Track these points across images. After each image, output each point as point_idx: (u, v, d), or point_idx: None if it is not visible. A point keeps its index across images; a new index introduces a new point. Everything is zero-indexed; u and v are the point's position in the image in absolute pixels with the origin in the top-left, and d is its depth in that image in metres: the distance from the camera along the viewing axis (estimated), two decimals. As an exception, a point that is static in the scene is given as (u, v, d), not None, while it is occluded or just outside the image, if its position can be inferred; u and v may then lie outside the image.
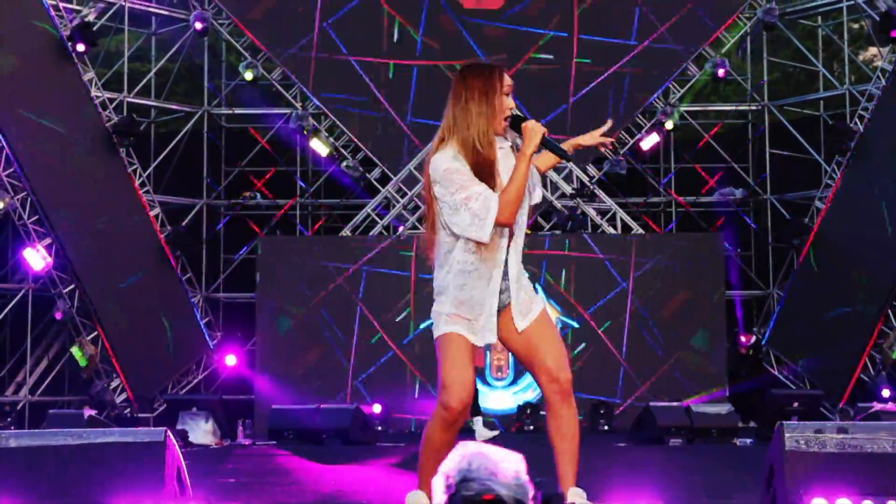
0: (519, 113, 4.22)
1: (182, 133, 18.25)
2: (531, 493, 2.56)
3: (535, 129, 4.12)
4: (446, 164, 4.10)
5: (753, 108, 18.51)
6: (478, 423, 12.55)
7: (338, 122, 17.60)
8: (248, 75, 17.52)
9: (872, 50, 19.46)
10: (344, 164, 17.67)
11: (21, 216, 15.40)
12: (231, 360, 17.37)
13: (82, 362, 15.73)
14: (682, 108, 18.03)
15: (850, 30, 18.51)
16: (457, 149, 4.12)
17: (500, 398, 15.55)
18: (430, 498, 4.21)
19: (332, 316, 16.18)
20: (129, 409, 15.79)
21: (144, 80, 18.09)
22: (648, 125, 17.74)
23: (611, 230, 16.73)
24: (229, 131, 19.03)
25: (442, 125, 4.21)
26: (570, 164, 16.76)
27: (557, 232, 16.95)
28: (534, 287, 4.40)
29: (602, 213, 16.95)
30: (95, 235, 15.97)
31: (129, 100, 17.55)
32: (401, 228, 16.75)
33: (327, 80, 17.42)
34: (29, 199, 15.33)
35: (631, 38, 17.16)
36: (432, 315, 4.20)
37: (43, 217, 15.41)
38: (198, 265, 18.17)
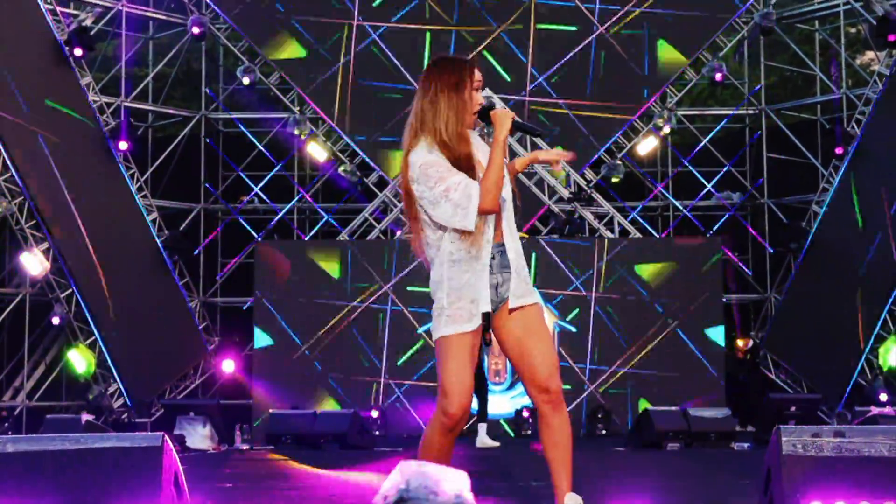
0: (488, 105, 4.23)
1: (179, 137, 18.26)
2: None
3: (504, 114, 4.15)
4: (422, 160, 4.10)
5: (751, 112, 18.53)
6: (482, 429, 12.55)
7: (339, 132, 17.62)
8: (246, 80, 17.52)
9: (869, 54, 19.50)
10: (341, 168, 17.67)
11: (18, 221, 15.40)
12: (228, 364, 17.36)
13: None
14: (679, 112, 18.04)
15: (847, 34, 18.54)
16: (429, 143, 4.12)
17: (498, 402, 15.53)
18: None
19: (331, 319, 16.16)
20: (126, 414, 15.77)
21: (142, 85, 18.10)
22: (645, 129, 17.76)
23: (608, 234, 16.74)
24: (227, 136, 19.03)
25: (410, 121, 4.20)
26: (569, 168, 16.77)
27: (555, 236, 16.94)
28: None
29: (599, 217, 16.95)
30: (93, 240, 15.96)
31: (127, 104, 17.56)
32: (398, 232, 16.75)
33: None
34: (27, 203, 15.33)
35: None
36: (432, 314, 4.19)
37: (40, 222, 15.40)
38: (195, 270, 18.16)
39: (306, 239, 18.22)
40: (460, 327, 4.12)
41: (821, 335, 16.10)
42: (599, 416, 15.38)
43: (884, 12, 15.75)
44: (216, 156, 18.69)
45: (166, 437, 3.80)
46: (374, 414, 15.22)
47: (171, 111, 18.71)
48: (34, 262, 15.40)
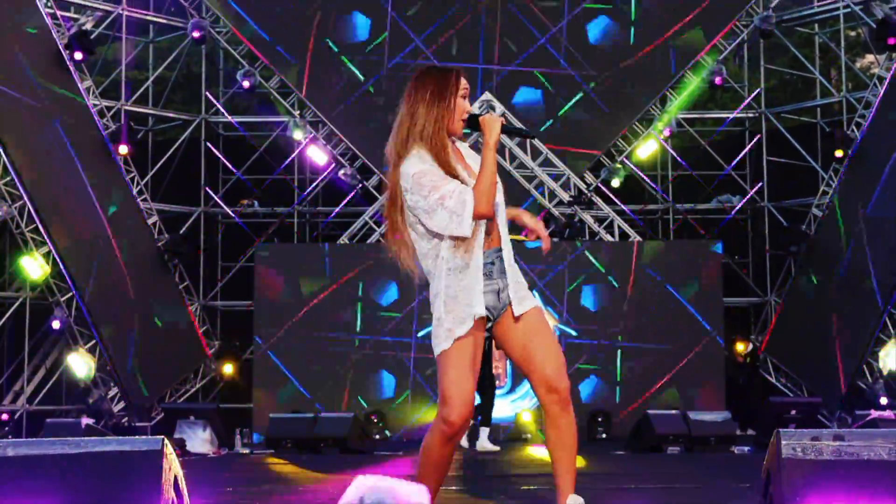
0: (476, 112, 4.24)
1: (179, 141, 18.27)
2: None
3: (492, 120, 4.16)
4: (414, 170, 4.10)
5: (751, 115, 18.53)
6: (484, 433, 12.54)
7: (335, 131, 17.65)
8: (246, 83, 17.53)
9: (869, 57, 19.51)
10: (341, 171, 17.68)
11: (19, 224, 15.39)
12: (229, 368, 17.35)
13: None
14: (679, 116, 18.05)
15: (847, 37, 18.54)
16: (421, 153, 4.13)
17: (498, 406, 15.51)
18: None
19: (331, 323, 16.18)
20: (126, 418, 15.77)
21: (142, 89, 18.12)
22: (645, 132, 17.77)
23: (608, 237, 16.75)
24: (227, 139, 19.04)
25: (394, 131, 4.21)
26: (568, 172, 16.79)
27: (555, 239, 16.96)
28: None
29: (600, 220, 16.96)
30: (93, 244, 15.96)
31: (127, 108, 17.56)
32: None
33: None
34: (27, 207, 15.32)
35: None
36: (433, 325, 4.20)
37: (40, 225, 15.39)
38: (195, 273, 18.16)
39: (306, 243, 18.22)
40: (458, 333, 4.12)
41: (821, 338, 16.09)
42: (599, 419, 15.38)
43: (883, 15, 15.75)
44: (216, 159, 18.69)
45: (166, 441, 3.80)
46: (375, 418, 15.24)
47: (172, 115, 18.72)
48: (34, 266, 15.39)
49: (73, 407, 16.56)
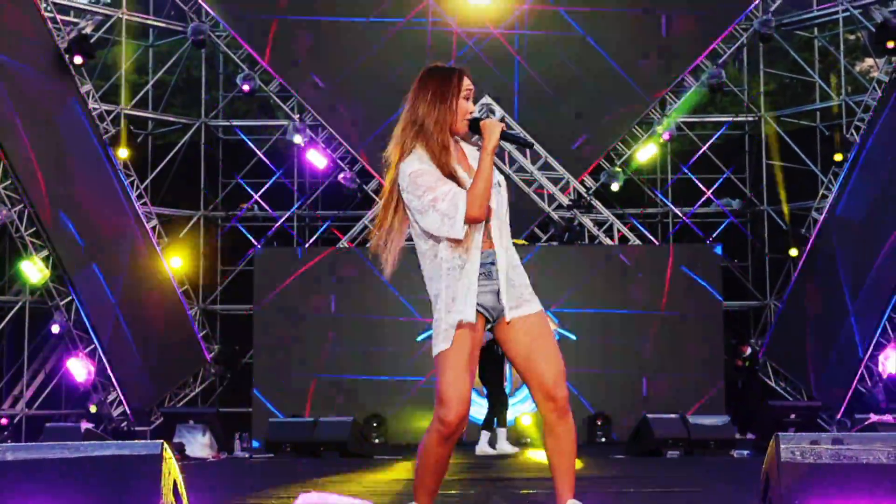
0: (478, 115, 4.24)
1: (179, 145, 18.28)
2: None
3: (493, 125, 4.16)
4: (411, 169, 4.12)
5: (750, 119, 18.54)
6: (501, 434, 12.53)
7: (335, 133, 17.66)
8: (246, 87, 17.54)
9: (869, 61, 19.52)
10: (341, 175, 17.69)
11: (18, 228, 15.39)
12: (227, 372, 17.34)
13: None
14: (679, 119, 18.06)
15: (846, 41, 18.56)
16: (421, 153, 4.14)
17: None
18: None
19: (331, 327, 16.18)
20: (125, 423, 15.76)
21: (142, 92, 18.13)
22: (645, 136, 17.78)
23: (608, 241, 16.75)
24: (226, 143, 19.05)
25: (396, 131, 4.22)
26: (568, 175, 16.80)
27: (554, 243, 16.96)
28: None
29: (599, 224, 16.97)
30: (92, 247, 15.96)
31: (127, 111, 17.57)
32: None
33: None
34: (26, 211, 15.32)
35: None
36: (433, 325, 4.20)
37: (40, 229, 15.39)
38: (195, 277, 18.16)
39: (306, 246, 18.23)
40: (458, 337, 4.13)
41: (821, 342, 16.10)
42: (599, 422, 15.37)
43: (883, 19, 15.77)
44: (216, 163, 18.71)
45: (166, 446, 3.80)
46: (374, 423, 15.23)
47: (171, 118, 18.74)
48: (34, 270, 15.39)
49: (72, 411, 16.55)
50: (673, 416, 12.75)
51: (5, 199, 15.25)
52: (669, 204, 18.60)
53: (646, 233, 18.21)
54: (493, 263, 4.18)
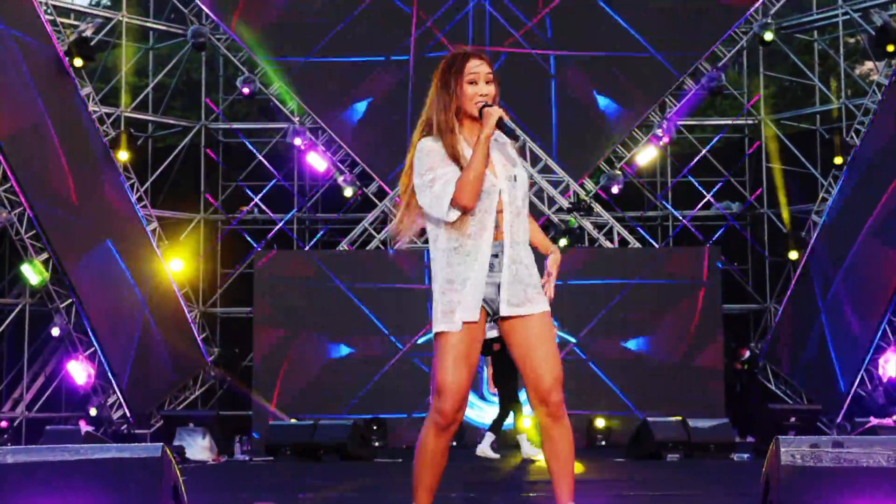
0: (488, 102, 4.23)
1: (179, 147, 18.28)
2: None
3: (490, 113, 4.17)
4: (421, 146, 4.19)
5: (750, 122, 18.55)
6: (523, 439, 12.53)
7: (336, 137, 17.67)
8: (246, 90, 17.53)
9: (868, 64, 19.54)
10: (341, 178, 17.69)
11: (18, 231, 15.39)
12: (227, 375, 17.34)
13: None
14: (679, 123, 18.06)
15: (846, 44, 18.57)
16: (435, 133, 4.21)
17: (496, 413, 15.51)
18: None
19: (330, 330, 16.18)
20: (125, 425, 15.75)
21: (142, 95, 18.14)
22: (645, 139, 17.77)
23: (608, 244, 16.75)
24: (226, 146, 19.05)
25: (423, 112, 4.32)
26: (568, 178, 16.79)
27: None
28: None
29: (599, 227, 16.97)
30: (92, 250, 15.95)
31: (127, 114, 17.58)
32: (398, 243, 16.75)
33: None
34: (26, 213, 15.32)
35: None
36: (433, 306, 4.22)
37: (40, 232, 15.39)
38: (195, 280, 18.16)
39: (306, 249, 18.22)
40: (453, 324, 4.13)
41: (820, 345, 16.09)
42: (599, 426, 15.37)
43: (882, 22, 15.78)
44: (216, 166, 18.71)
45: (166, 449, 3.81)
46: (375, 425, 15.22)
47: (171, 121, 18.74)
48: (34, 273, 15.38)
49: (72, 414, 16.55)
50: (673, 419, 12.76)
51: (5, 202, 15.25)
52: (669, 207, 18.59)
53: (646, 236, 18.21)
54: (496, 256, 4.17)
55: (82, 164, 16.14)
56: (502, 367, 12.15)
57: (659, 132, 17.61)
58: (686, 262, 16.45)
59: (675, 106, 17.72)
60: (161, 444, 3.83)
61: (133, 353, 16.23)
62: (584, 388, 15.48)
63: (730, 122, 18.87)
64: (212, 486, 8.75)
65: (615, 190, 17.64)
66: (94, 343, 15.78)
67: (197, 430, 13.16)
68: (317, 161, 17.88)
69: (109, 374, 15.89)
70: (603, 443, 15.16)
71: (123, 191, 16.67)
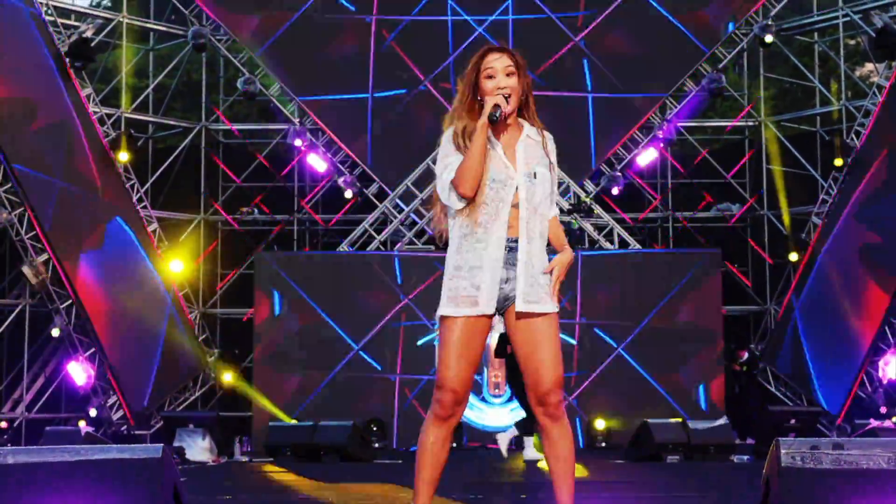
0: (507, 94, 4.23)
1: (180, 148, 18.28)
2: None
3: (487, 101, 4.19)
4: (445, 137, 4.26)
5: (750, 123, 18.55)
6: (529, 443, 12.49)
7: (335, 138, 17.67)
8: (246, 91, 17.52)
9: (869, 66, 19.54)
10: (341, 179, 17.69)
11: (18, 232, 15.38)
12: (228, 376, 17.34)
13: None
14: (679, 124, 18.06)
15: (847, 46, 18.57)
16: (458, 124, 4.27)
17: (497, 415, 15.53)
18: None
19: (330, 331, 16.17)
20: (125, 426, 15.75)
21: (142, 96, 18.14)
22: (645, 140, 17.78)
23: (608, 245, 16.75)
24: (227, 147, 19.05)
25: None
26: (568, 180, 16.79)
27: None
28: None
29: (599, 228, 16.96)
30: (92, 251, 15.95)
31: (127, 115, 17.58)
32: (398, 245, 16.76)
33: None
34: (26, 214, 15.32)
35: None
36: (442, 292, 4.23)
37: (40, 233, 15.38)
38: (195, 281, 18.16)
39: (306, 250, 18.22)
40: (460, 310, 4.14)
41: (820, 347, 16.10)
42: (599, 427, 15.36)
43: (883, 24, 15.78)
44: (216, 167, 18.71)
45: (166, 450, 3.81)
46: (375, 426, 15.22)
47: (172, 122, 18.74)
48: (33, 274, 15.38)
49: (72, 415, 16.55)
50: (673, 420, 12.75)
51: (5, 202, 15.24)
52: (670, 209, 18.59)
53: (646, 238, 18.21)
54: (511, 250, 4.17)
55: (81, 165, 16.16)
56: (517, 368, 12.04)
57: (659, 134, 17.63)
58: (686, 264, 16.44)
59: (676, 107, 17.73)
60: (161, 444, 3.84)
61: (133, 354, 16.22)
62: (583, 389, 15.48)
63: (730, 123, 18.87)
64: (212, 487, 8.75)
65: (615, 191, 17.67)
66: (95, 344, 15.75)
67: (197, 430, 13.16)
68: (317, 162, 17.88)
69: (109, 375, 15.87)
70: (603, 444, 15.15)
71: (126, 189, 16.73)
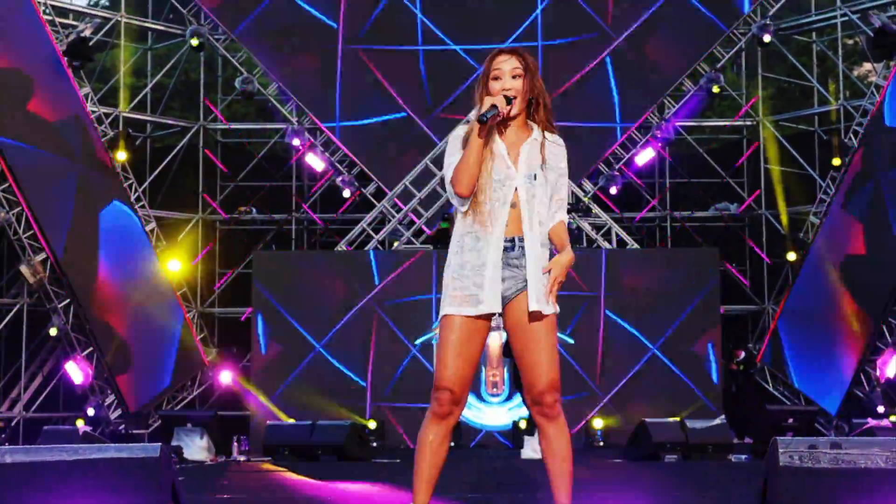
0: (512, 96, 4.23)
1: (178, 148, 18.27)
2: None
3: (487, 101, 4.20)
4: (453, 134, 4.28)
5: (748, 123, 18.56)
6: (527, 442, 12.49)
7: (335, 140, 17.67)
8: (245, 90, 17.52)
9: (867, 65, 19.55)
10: (339, 179, 17.69)
11: (16, 231, 15.37)
12: (226, 376, 17.34)
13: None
14: (677, 124, 18.07)
15: (845, 45, 18.58)
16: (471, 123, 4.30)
17: (495, 414, 15.53)
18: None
19: (329, 330, 16.16)
20: (123, 425, 15.75)
21: (140, 95, 18.13)
22: (644, 140, 17.78)
23: (606, 245, 16.74)
24: (225, 146, 19.05)
25: None
26: (569, 182, 16.77)
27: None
28: None
29: (597, 228, 16.96)
30: (91, 251, 15.94)
31: (125, 114, 17.58)
32: (395, 244, 16.76)
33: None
34: (24, 213, 15.31)
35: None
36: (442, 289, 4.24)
37: (38, 232, 15.37)
38: (193, 280, 18.15)
39: (304, 249, 18.21)
40: (461, 309, 4.14)
41: (818, 346, 16.11)
42: (597, 427, 15.36)
43: (881, 24, 15.79)
44: (214, 166, 18.70)
45: (164, 449, 3.81)
46: (372, 425, 15.21)
47: (170, 121, 18.74)
48: (31, 273, 15.37)
49: (70, 414, 16.53)
50: (671, 420, 12.76)
51: (3, 202, 15.24)
52: (668, 208, 18.59)
53: (644, 237, 18.22)
54: (510, 250, 4.17)
55: (80, 164, 16.15)
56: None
57: (657, 133, 17.64)
58: (684, 264, 16.44)
59: (674, 107, 17.74)
60: (159, 444, 3.84)
61: (131, 353, 16.21)
62: (581, 389, 15.47)
63: (728, 123, 18.87)
64: (210, 486, 8.74)
65: (613, 191, 17.67)
66: (92, 343, 15.73)
67: (195, 430, 13.15)
68: (315, 161, 17.88)
69: (107, 374, 15.87)
70: (601, 443, 15.15)
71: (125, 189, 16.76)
